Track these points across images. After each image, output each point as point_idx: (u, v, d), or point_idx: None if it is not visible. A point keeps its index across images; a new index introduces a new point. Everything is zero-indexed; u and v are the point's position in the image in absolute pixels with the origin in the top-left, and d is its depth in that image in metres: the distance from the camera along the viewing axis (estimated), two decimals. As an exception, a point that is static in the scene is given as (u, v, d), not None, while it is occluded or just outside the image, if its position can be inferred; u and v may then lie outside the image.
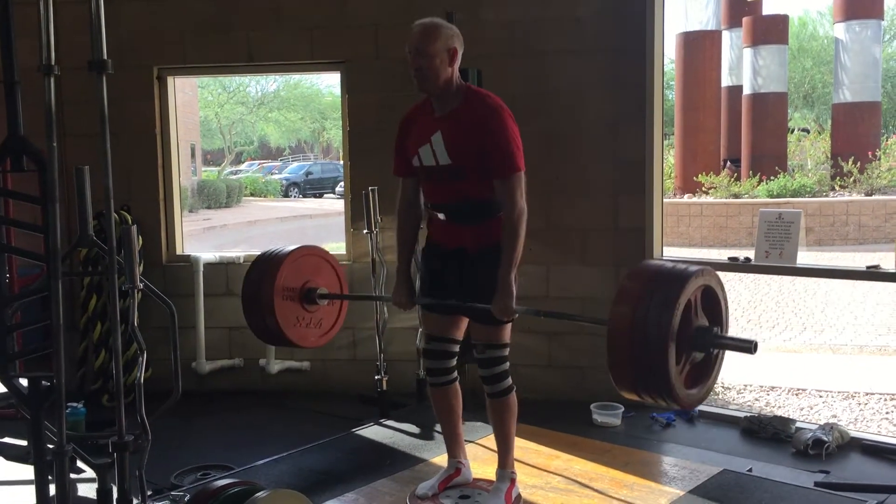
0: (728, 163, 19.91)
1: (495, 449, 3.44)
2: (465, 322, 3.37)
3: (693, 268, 2.66)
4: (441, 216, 3.23)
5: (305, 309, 3.67)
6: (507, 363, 3.23)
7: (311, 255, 3.76)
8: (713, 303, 2.73)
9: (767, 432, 4.19)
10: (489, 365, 3.21)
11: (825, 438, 3.93)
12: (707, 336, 2.65)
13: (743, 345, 2.66)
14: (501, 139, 3.03)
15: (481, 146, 3.03)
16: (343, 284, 3.88)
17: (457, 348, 3.34)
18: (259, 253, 3.80)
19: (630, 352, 2.56)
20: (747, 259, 4.35)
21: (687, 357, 2.61)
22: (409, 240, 3.38)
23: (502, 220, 3.07)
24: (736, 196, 16.43)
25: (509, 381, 3.24)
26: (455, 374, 3.38)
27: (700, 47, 19.35)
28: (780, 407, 5.55)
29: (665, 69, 4.81)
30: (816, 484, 3.54)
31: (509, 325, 3.24)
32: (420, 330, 4.32)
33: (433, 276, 3.31)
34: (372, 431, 4.31)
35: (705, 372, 2.71)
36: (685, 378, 2.61)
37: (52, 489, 2.80)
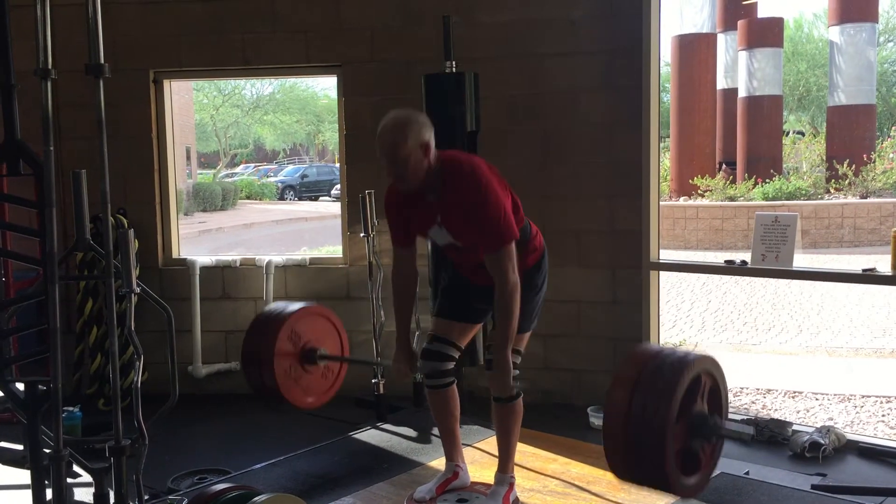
0: (723, 165, 19.94)
1: (493, 452, 3.44)
2: (473, 332, 3.39)
3: (693, 355, 2.64)
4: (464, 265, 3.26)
5: (304, 369, 3.68)
6: (517, 370, 3.21)
7: (315, 314, 3.80)
8: (713, 390, 2.70)
9: (764, 435, 4.19)
10: None
11: (822, 441, 3.94)
12: (706, 425, 2.62)
13: (742, 432, 2.66)
14: (484, 216, 2.94)
15: (474, 225, 2.99)
16: (344, 343, 3.90)
17: (457, 355, 3.32)
18: (261, 312, 3.85)
19: (626, 440, 2.54)
20: (744, 262, 4.36)
21: (685, 446, 2.58)
22: (406, 308, 3.34)
23: (495, 295, 3.01)
24: (731, 199, 16.46)
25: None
26: (452, 377, 3.37)
27: (695, 50, 19.39)
28: (776, 410, 5.56)
29: (660, 72, 4.82)
30: (813, 486, 3.54)
31: (527, 334, 3.25)
32: (417, 334, 4.32)
33: (459, 283, 3.33)
34: (369, 435, 4.30)
35: (704, 460, 2.67)
36: (683, 467, 2.58)
37: (49, 493, 2.80)
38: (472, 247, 3.09)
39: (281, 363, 3.59)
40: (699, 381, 2.61)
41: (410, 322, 3.38)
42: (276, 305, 3.85)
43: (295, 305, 3.78)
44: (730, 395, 2.80)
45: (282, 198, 28.33)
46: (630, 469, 2.58)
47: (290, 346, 3.63)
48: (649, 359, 2.64)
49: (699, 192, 17.25)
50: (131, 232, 2.92)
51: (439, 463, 3.62)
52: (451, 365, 3.34)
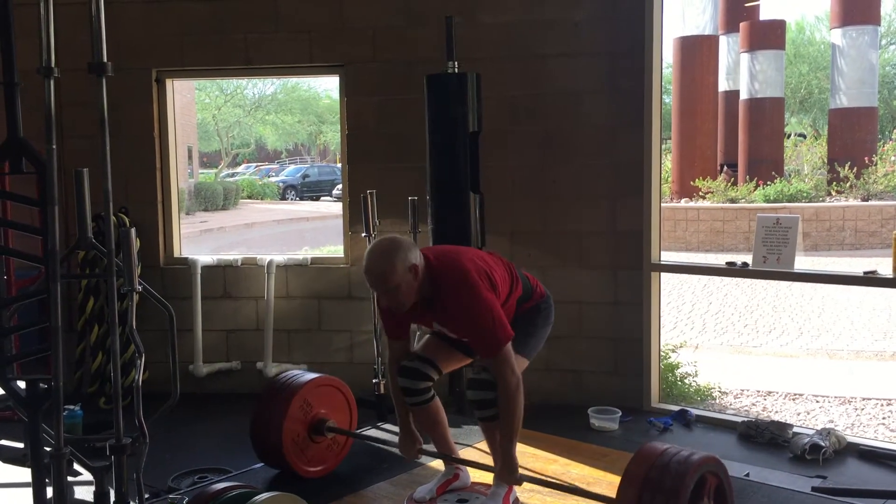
0: (725, 167, 19.94)
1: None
2: (458, 362, 3.40)
3: (697, 456, 2.69)
4: None
5: (312, 439, 3.69)
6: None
7: (327, 385, 3.80)
8: (718, 488, 2.76)
9: (764, 437, 4.19)
10: (480, 387, 3.18)
11: (822, 443, 3.94)
12: None
13: None
14: (476, 326, 2.97)
15: (468, 333, 3.05)
16: (353, 418, 3.90)
17: (435, 377, 3.29)
18: (274, 378, 3.81)
19: None
20: (745, 264, 4.36)
21: None
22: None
23: (498, 396, 3.03)
24: (733, 201, 16.46)
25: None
26: (431, 392, 3.33)
27: (697, 52, 19.39)
28: (777, 412, 5.56)
29: (662, 73, 4.82)
30: (813, 489, 3.54)
31: (524, 365, 3.25)
32: (418, 333, 4.32)
33: None
34: (370, 435, 4.30)
35: None
36: None
37: (50, 492, 2.80)
38: None
39: (289, 435, 3.59)
40: (704, 480, 2.70)
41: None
42: (289, 374, 3.81)
43: (308, 375, 3.76)
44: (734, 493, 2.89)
45: (283, 197, 28.34)
46: None
47: (301, 415, 3.64)
48: (657, 456, 2.71)
49: (700, 193, 17.25)
50: (133, 231, 2.92)
51: (439, 463, 3.62)
52: (428, 384, 3.28)
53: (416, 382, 3.27)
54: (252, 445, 3.71)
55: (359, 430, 4.33)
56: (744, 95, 20.06)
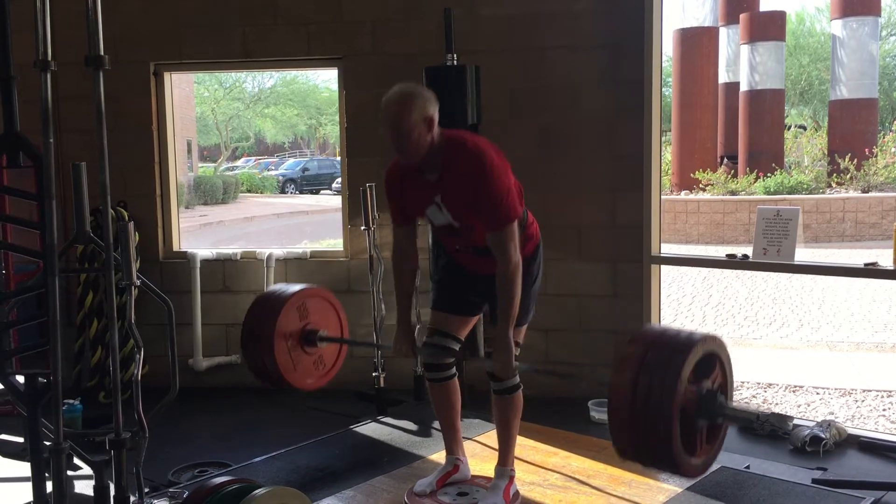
0: (725, 159, 19.92)
1: (493, 446, 3.45)
2: (471, 323, 3.37)
3: (699, 334, 2.62)
4: (460, 249, 3.22)
5: (305, 351, 3.65)
6: (517, 362, 3.22)
7: (313, 296, 3.76)
8: (719, 371, 2.68)
9: (765, 429, 4.18)
10: None
11: (822, 435, 3.94)
12: (713, 405, 2.58)
13: (749, 416, 2.60)
14: (487, 194, 2.92)
15: (476, 204, 2.97)
16: (344, 327, 3.86)
17: (457, 347, 3.32)
18: (263, 293, 3.77)
19: (632, 418, 2.52)
20: (745, 256, 4.35)
21: (691, 426, 2.55)
22: (407, 288, 3.33)
23: (496, 274, 3.00)
24: (733, 193, 16.45)
25: (517, 378, 3.24)
26: (454, 370, 3.37)
27: (697, 44, 19.36)
28: (777, 404, 5.56)
29: (662, 65, 4.81)
30: (814, 481, 3.54)
31: (524, 327, 3.25)
32: (418, 327, 4.31)
33: (455, 275, 3.31)
34: (369, 428, 4.31)
35: (709, 440, 2.64)
36: (688, 447, 2.54)
37: (49, 486, 2.80)
38: (469, 229, 3.07)
39: (281, 349, 3.53)
40: (707, 359, 2.59)
41: (412, 301, 3.35)
42: (273, 289, 3.79)
43: (302, 285, 3.71)
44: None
45: (283, 191, 28.31)
46: (636, 449, 2.56)
47: (297, 318, 3.58)
48: (655, 339, 2.61)
49: (700, 186, 17.24)
50: (131, 224, 2.92)
51: (439, 456, 3.62)
52: (453, 358, 3.34)
53: (441, 357, 3.31)
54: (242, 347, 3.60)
55: (357, 423, 4.35)
56: (744, 87, 20.02)
